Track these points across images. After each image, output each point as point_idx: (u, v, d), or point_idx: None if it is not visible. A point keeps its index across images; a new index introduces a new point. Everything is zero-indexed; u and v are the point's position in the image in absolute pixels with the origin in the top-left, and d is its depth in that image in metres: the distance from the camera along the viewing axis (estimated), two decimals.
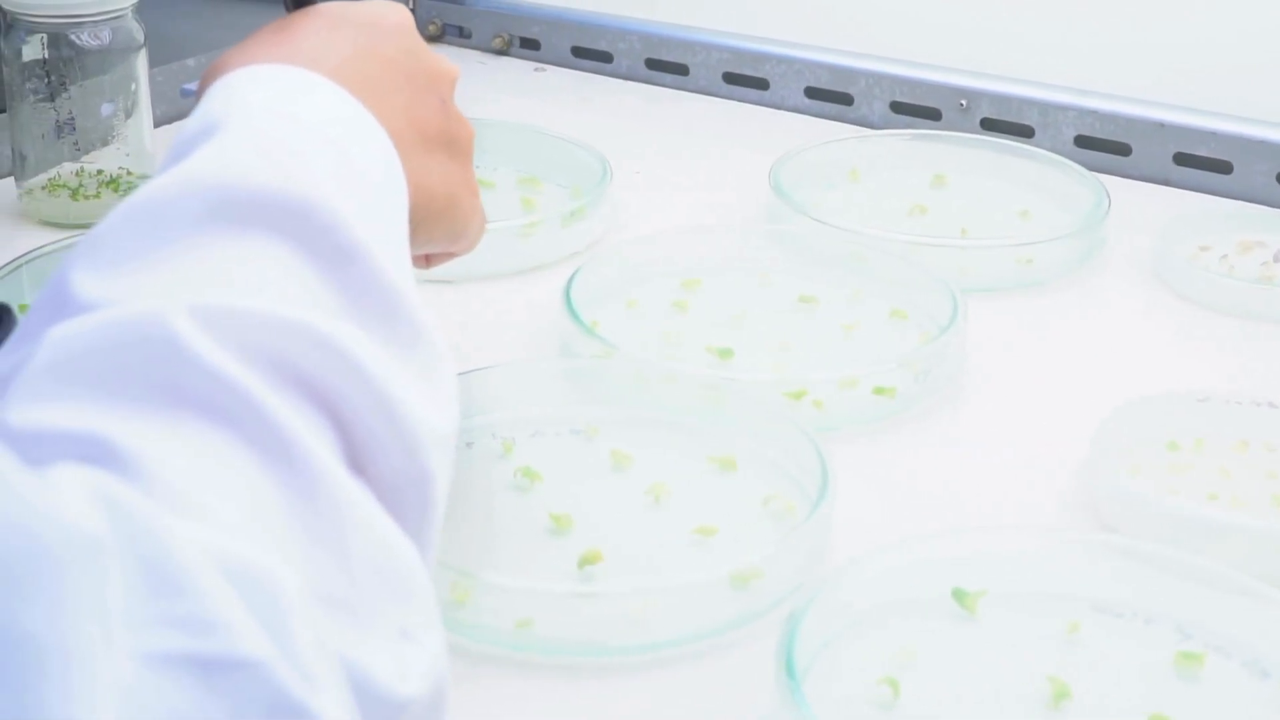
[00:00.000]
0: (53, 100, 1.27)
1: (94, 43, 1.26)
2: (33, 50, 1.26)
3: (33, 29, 1.26)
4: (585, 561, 0.84)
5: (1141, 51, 1.42)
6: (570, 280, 1.09)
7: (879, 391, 1.00)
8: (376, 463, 0.53)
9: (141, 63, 1.29)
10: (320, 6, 0.72)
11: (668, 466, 0.94)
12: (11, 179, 1.32)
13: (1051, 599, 0.83)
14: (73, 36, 1.25)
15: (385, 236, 0.60)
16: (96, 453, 0.46)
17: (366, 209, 0.60)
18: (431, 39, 1.72)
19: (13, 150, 1.30)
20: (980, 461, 0.98)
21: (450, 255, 0.82)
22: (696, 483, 0.93)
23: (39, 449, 0.44)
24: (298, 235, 0.55)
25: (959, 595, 0.82)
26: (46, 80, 1.26)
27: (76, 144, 1.28)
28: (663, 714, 0.78)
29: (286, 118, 0.61)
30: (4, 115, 1.35)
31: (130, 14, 1.27)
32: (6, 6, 1.25)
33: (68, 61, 1.26)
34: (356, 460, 0.53)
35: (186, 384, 0.49)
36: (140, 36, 1.28)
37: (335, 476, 0.50)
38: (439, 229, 0.76)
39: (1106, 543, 0.86)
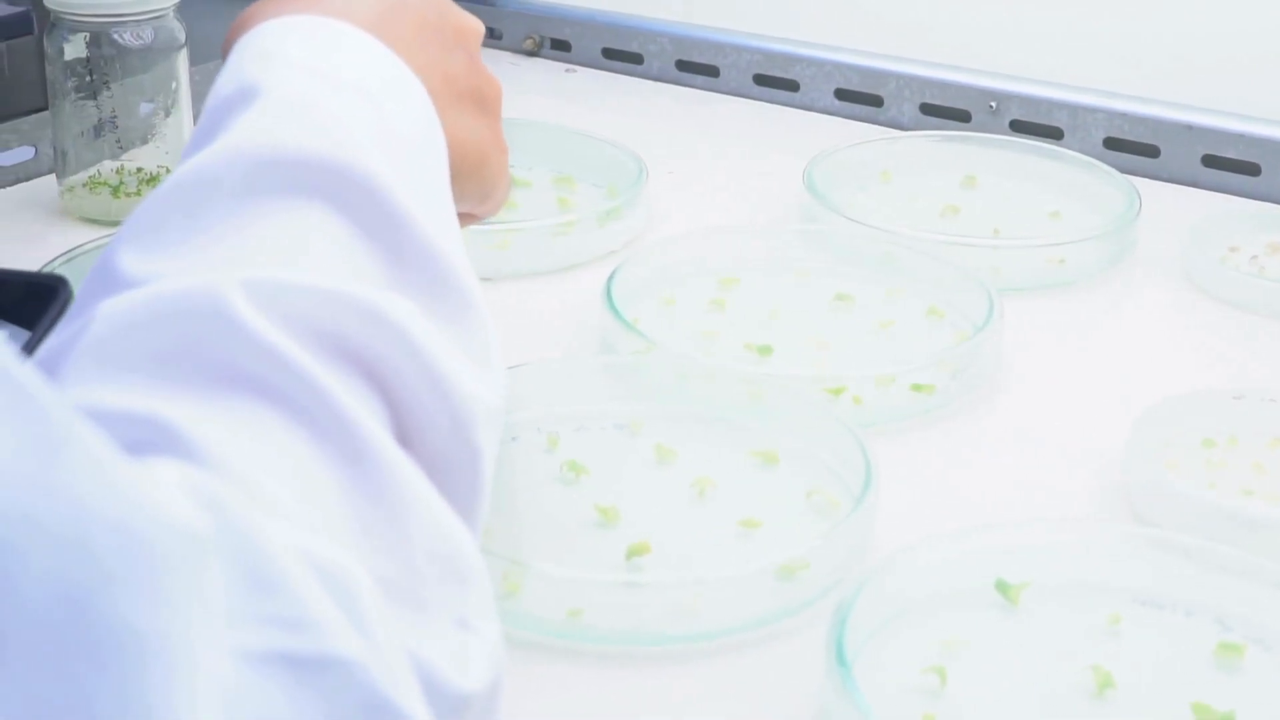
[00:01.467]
0: (95, 98, 1.28)
1: (136, 42, 1.28)
2: (75, 49, 1.27)
3: (75, 28, 1.27)
4: (633, 553, 0.86)
5: (1170, 54, 1.43)
6: (611, 277, 1.10)
7: (917, 388, 1.02)
8: (425, 437, 0.53)
9: (182, 62, 1.30)
10: None
11: (711, 461, 0.95)
12: (53, 176, 1.34)
13: (1093, 591, 0.84)
14: (115, 35, 1.27)
15: (429, 200, 0.60)
16: (158, 438, 0.46)
17: (409, 172, 0.59)
18: None
19: (55, 148, 1.31)
20: (1017, 458, 0.99)
21: (474, 218, 0.78)
22: (740, 477, 0.95)
23: (100, 428, 0.44)
24: (342, 202, 0.55)
25: (1002, 587, 0.83)
26: (88, 79, 1.28)
27: (118, 142, 1.29)
28: (712, 702, 0.79)
29: (325, 77, 0.60)
30: (46, 113, 1.37)
31: (172, 13, 1.29)
32: (50, 5, 1.27)
33: (109, 60, 1.27)
34: (405, 435, 0.53)
35: (241, 361, 0.48)
36: (181, 36, 1.29)
37: (392, 458, 0.50)
38: (469, 187, 0.73)
39: (1146, 536, 0.87)
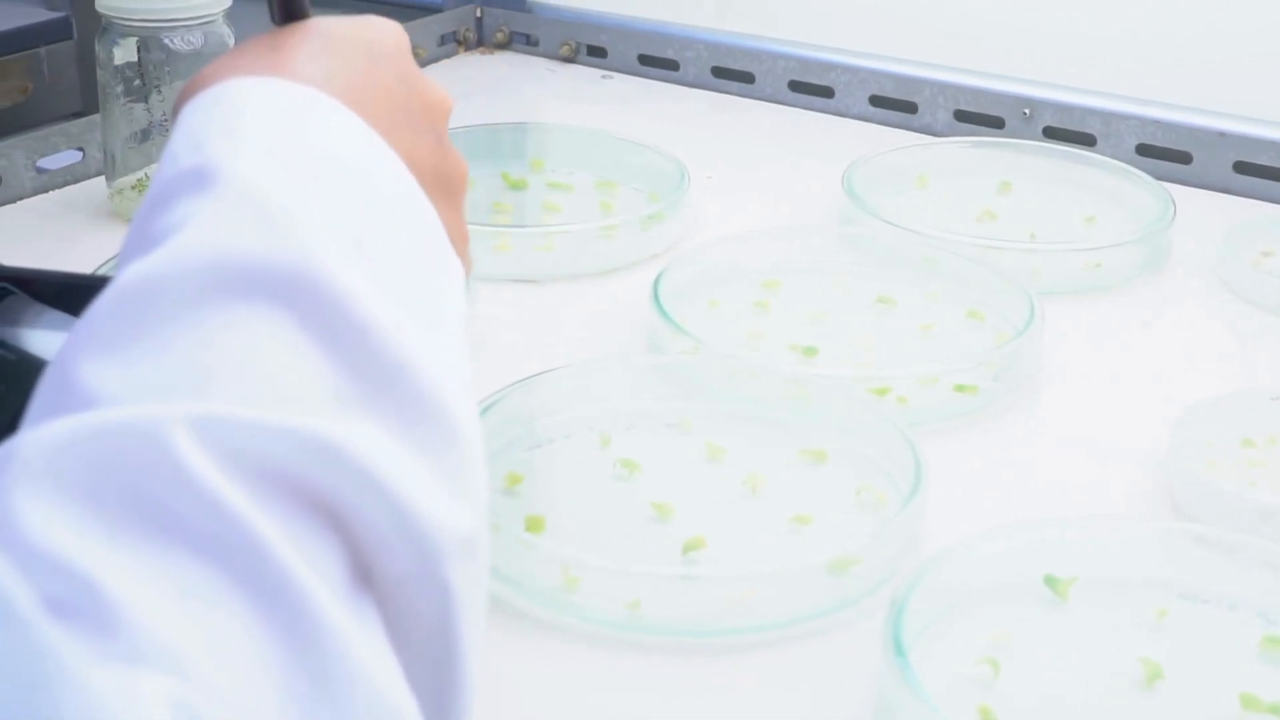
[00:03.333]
0: (144, 102, 1.30)
1: (186, 47, 1.30)
2: (125, 53, 1.29)
3: (126, 32, 1.29)
4: (689, 547, 0.88)
5: (1202, 61, 1.45)
6: (657, 279, 1.12)
7: (960, 389, 1.04)
8: (388, 576, 0.49)
9: None
10: (313, 23, 0.64)
11: (761, 458, 0.97)
12: (101, 179, 1.36)
13: (1139, 586, 0.86)
14: (165, 40, 1.29)
15: (407, 299, 0.54)
16: (89, 604, 0.43)
17: (384, 270, 0.54)
18: (499, 46, 1.76)
19: (104, 151, 1.33)
20: (1058, 457, 1.01)
21: None
22: (789, 474, 0.97)
23: (24, 568, 0.43)
24: (302, 313, 0.50)
25: (1051, 581, 0.85)
26: (139, 83, 1.30)
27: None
28: (768, 692, 0.81)
29: (293, 163, 0.55)
30: (93, 117, 1.39)
31: (221, 19, 1.30)
32: (101, 10, 1.29)
33: (158, 65, 1.29)
34: (367, 573, 0.49)
35: (182, 509, 0.45)
36: (231, 41, 1.31)
37: (335, 626, 0.46)
38: None
39: (1189, 532, 0.89)
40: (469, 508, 0.51)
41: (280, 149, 0.55)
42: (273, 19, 0.64)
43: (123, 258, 0.53)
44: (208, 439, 0.46)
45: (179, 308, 0.50)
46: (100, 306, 0.50)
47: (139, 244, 0.52)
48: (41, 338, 0.70)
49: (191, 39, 1.30)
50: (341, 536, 0.48)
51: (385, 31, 0.65)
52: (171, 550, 0.44)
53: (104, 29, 1.30)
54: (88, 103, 1.89)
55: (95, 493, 0.45)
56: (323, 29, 0.63)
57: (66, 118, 1.72)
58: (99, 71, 1.31)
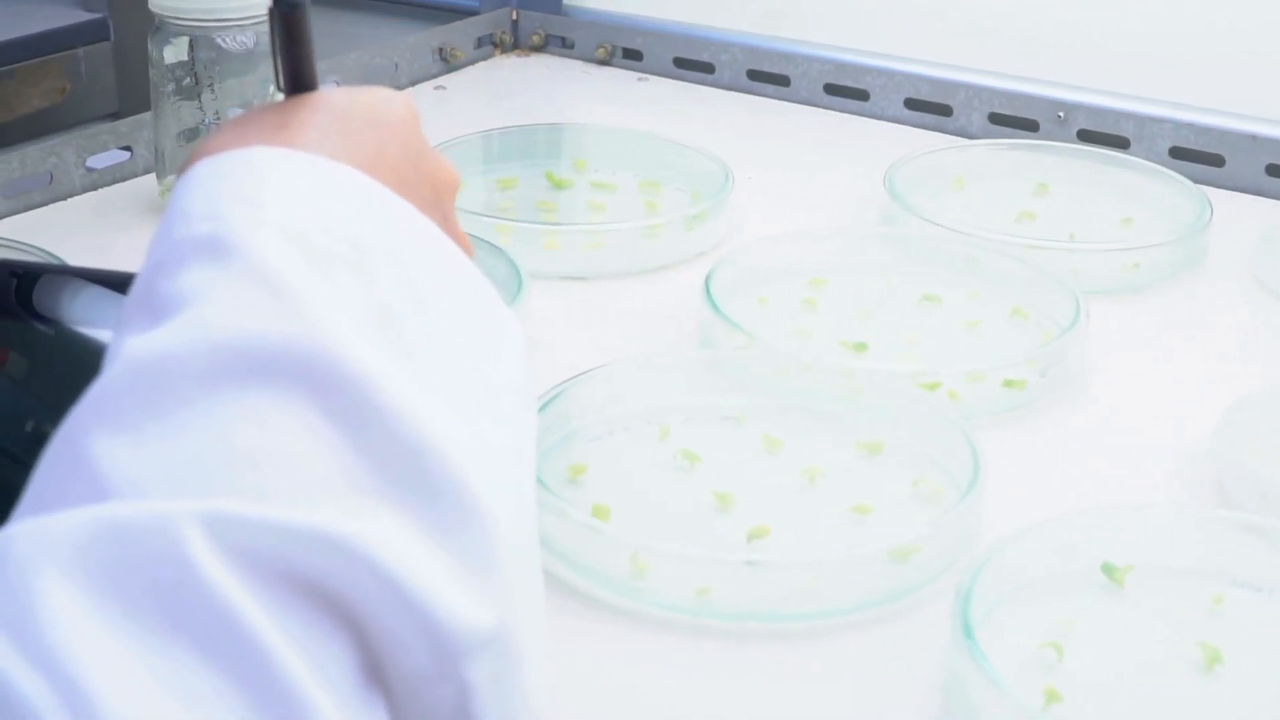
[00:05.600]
0: (195, 101, 1.32)
1: (237, 46, 1.31)
2: (176, 52, 1.31)
3: (178, 31, 1.31)
4: (754, 536, 0.90)
5: (1235, 65, 1.47)
6: (709, 275, 1.14)
7: (1009, 384, 1.06)
8: (402, 674, 0.48)
9: None
10: (321, 96, 0.61)
11: (818, 450, 1.00)
12: (149, 177, 1.39)
13: (1193, 574, 0.88)
14: (217, 39, 1.31)
15: (440, 375, 0.53)
16: (77, 704, 0.43)
17: (417, 346, 0.53)
18: (535, 49, 1.78)
19: (155, 149, 1.35)
20: (1106, 450, 1.03)
21: None
22: (846, 466, 0.99)
23: (43, 671, 0.43)
24: (319, 395, 0.50)
25: (1108, 569, 0.87)
26: (190, 81, 1.32)
27: None
28: (834, 675, 0.83)
29: (313, 241, 0.53)
30: (141, 116, 1.41)
31: None
32: (153, 9, 1.31)
33: (209, 64, 1.31)
34: (380, 672, 0.48)
35: (193, 611, 0.45)
36: None
37: None
38: None
39: (1242, 521, 0.91)
40: (495, 601, 0.50)
41: (302, 222, 0.53)
42: (278, 88, 0.62)
43: (128, 313, 0.52)
44: (219, 538, 0.46)
45: (192, 390, 0.49)
46: (111, 380, 0.50)
47: (147, 304, 0.52)
48: (80, 313, 0.72)
49: (243, 38, 1.32)
50: (353, 635, 0.47)
51: (394, 106, 0.63)
52: (180, 656, 0.44)
53: (156, 28, 1.32)
54: (125, 103, 1.91)
55: (114, 594, 0.44)
56: (330, 103, 0.61)
57: (105, 119, 1.74)
58: (150, 70, 1.33)
